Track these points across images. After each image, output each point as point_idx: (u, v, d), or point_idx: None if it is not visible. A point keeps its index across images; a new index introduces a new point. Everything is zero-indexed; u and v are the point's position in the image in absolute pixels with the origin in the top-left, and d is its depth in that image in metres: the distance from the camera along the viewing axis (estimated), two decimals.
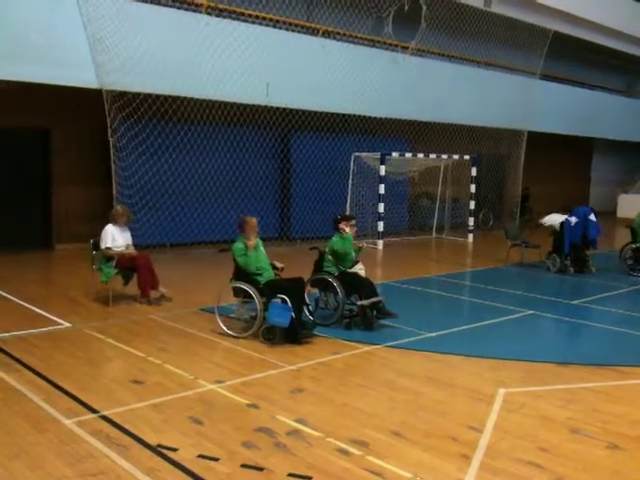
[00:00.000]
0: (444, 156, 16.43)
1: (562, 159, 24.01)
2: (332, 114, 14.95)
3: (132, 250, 8.84)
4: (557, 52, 19.49)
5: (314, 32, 15.19)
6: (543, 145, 20.99)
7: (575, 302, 9.75)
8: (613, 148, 26.49)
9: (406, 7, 14.78)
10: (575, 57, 23.08)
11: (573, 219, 11.80)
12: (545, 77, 20.04)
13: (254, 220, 7.44)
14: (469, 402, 5.52)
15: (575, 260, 12.00)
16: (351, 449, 4.51)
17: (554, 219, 12.23)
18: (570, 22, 20.00)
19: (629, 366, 6.65)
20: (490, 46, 17.75)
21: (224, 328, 7.30)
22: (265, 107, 13.87)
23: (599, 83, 24.44)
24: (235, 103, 13.21)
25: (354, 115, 15.27)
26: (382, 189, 14.96)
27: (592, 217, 11.85)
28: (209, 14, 13.00)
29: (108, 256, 8.56)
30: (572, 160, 25.04)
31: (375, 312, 7.73)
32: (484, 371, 6.37)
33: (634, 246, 12.11)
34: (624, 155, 27.18)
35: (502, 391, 5.74)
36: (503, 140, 18.54)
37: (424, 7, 15.12)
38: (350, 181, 15.73)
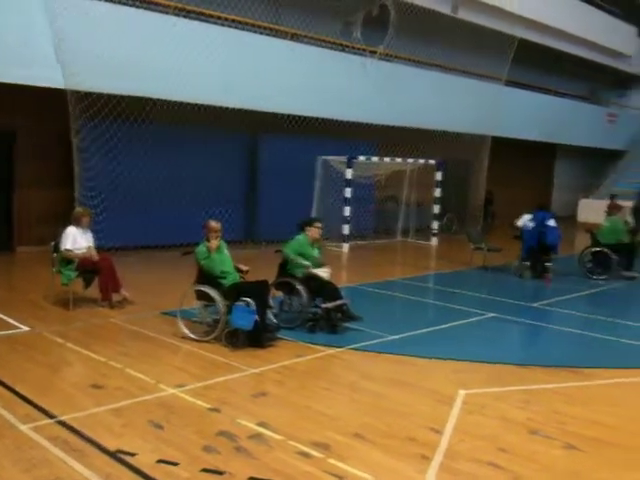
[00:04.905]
0: (410, 160, 16.56)
1: (526, 164, 24.38)
2: (300, 117, 14.94)
3: (94, 252, 8.68)
4: (522, 59, 19.80)
5: (283, 35, 15.18)
6: (507, 150, 21.28)
7: (535, 305, 9.91)
8: (576, 154, 26.98)
9: (374, 12, 14.87)
10: (540, 64, 23.48)
11: (531, 224, 11.94)
12: (510, 83, 20.34)
13: (214, 223, 7.40)
14: (430, 404, 5.57)
15: (534, 264, 12.09)
16: (312, 452, 4.51)
17: (525, 219, 12.25)
18: (535, 29, 20.36)
19: (587, 367, 6.78)
20: (457, 52, 17.95)
21: (186, 332, 7.24)
22: (232, 109, 13.79)
23: (563, 90, 24.89)
24: (202, 105, 13.11)
25: (322, 118, 15.29)
26: (348, 192, 14.99)
27: (551, 222, 11.90)
28: (177, 15, 12.90)
29: (68, 258, 8.42)
30: (535, 165, 25.44)
31: (339, 315, 7.75)
32: (446, 373, 6.44)
33: (593, 250, 12.37)
34: (586, 161, 27.72)
35: (463, 392, 5.80)
36: (468, 145, 18.73)
37: (392, 12, 15.23)
38: (316, 184, 15.74)
